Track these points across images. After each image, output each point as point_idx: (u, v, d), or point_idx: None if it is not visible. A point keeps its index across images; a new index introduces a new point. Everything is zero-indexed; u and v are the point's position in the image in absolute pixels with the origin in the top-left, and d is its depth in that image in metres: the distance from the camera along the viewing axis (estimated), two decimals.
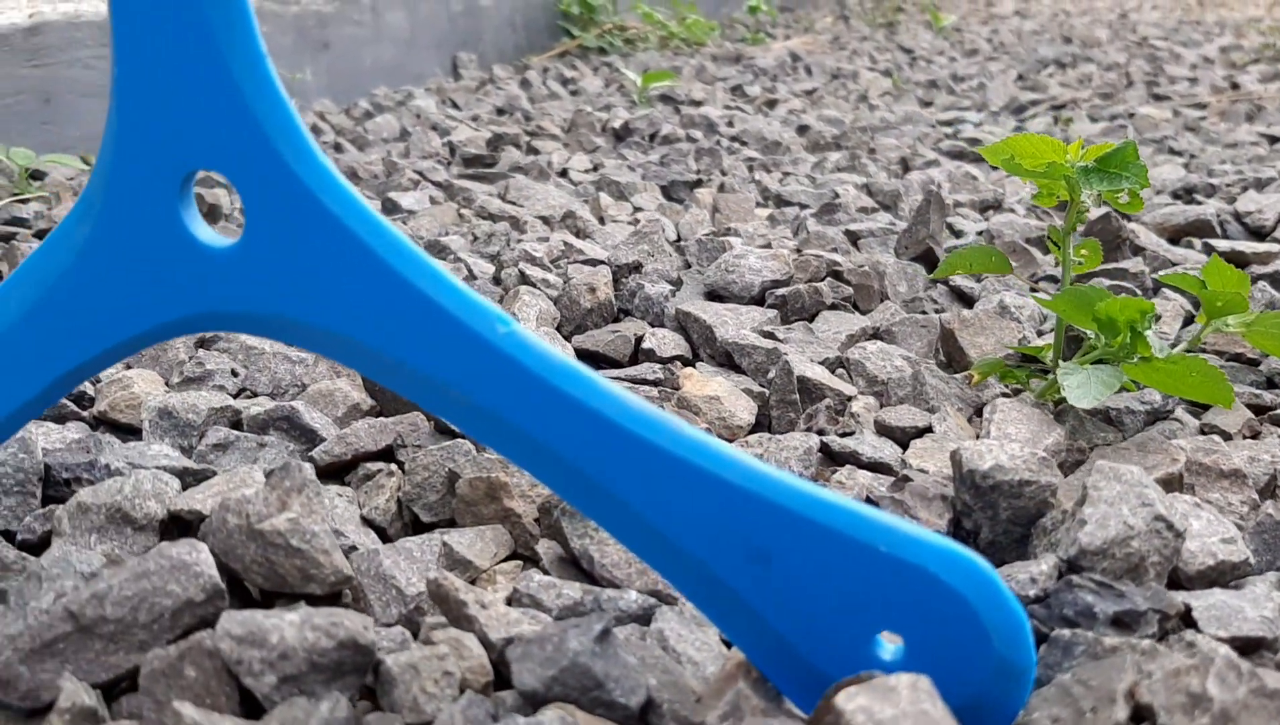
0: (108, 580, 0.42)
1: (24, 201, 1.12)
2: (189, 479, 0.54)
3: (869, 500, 0.51)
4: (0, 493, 0.54)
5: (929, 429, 0.59)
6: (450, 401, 0.41)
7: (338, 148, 1.41)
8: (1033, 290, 0.84)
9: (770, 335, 0.71)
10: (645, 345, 0.71)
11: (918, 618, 0.37)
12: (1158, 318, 0.57)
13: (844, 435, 0.59)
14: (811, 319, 0.77)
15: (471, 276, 0.87)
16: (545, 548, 0.52)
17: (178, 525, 0.51)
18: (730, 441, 0.60)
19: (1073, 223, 0.62)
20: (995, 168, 1.29)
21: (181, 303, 0.42)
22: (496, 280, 0.88)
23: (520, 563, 0.52)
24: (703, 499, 0.38)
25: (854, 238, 0.97)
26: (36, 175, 1.23)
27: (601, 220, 1.06)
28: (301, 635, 0.40)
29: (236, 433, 0.58)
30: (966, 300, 0.81)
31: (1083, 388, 0.53)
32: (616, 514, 0.40)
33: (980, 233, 0.99)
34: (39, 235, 1.04)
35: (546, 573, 0.50)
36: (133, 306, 0.43)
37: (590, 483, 0.40)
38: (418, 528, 0.56)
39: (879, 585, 0.37)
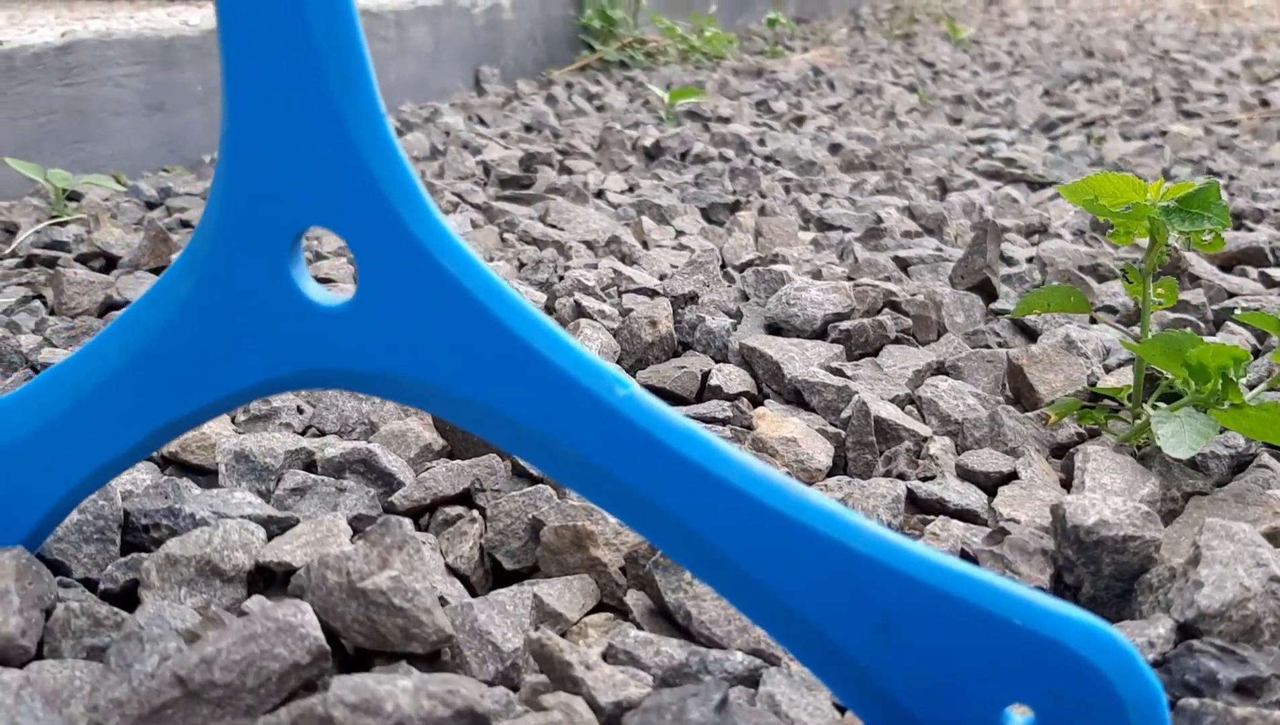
0: (215, 644, 0.41)
1: (62, 224, 1.12)
2: (273, 528, 0.53)
3: (965, 554, 0.51)
4: (81, 540, 0.53)
5: (1014, 474, 0.58)
6: (564, 461, 0.40)
7: None
8: (1092, 320, 0.84)
9: (839, 372, 0.71)
10: (712, 382, 0.70)
11: (1051, 691, 0.36)
12: (1248, 361, 0.56)
13: (926, 479, 0.59)
14: (876, 353, 0.76)
15: None
16: (634, 599, 0.51)
17: (264, 576, 0.51)
18: (810, 484, 0.60)
19: (1154, 264, 0.62)
20: (1035, 190, 1.29)
21: (288, 359, 0.42)
22: (550, 309, 0.87)
23: (609, 614, 0.51)
24: (826, 566, 0.38)
25: (904, 264, 0.96)
26: (73, 196, 1.23)
27: (645, 244, 1.06)
28: (417, 703, 0.39)
29: (313, 476, 0.58)
30: (1028, 333, 0.80)
31: (1178, 437, 0.53)
32: (732, 577, 0.39)
33: (1030, 260, 0.98)
34: (80, 259, 1.04)
35: (640, 627, 0.49)
36: (237, 362, 0.42)
37: (707, 546, 0.39)
38: (499, 575, 0.55)
39: (1011, 657, 0.36)
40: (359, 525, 0.55)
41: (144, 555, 0.52)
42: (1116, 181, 0.61)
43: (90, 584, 0.53)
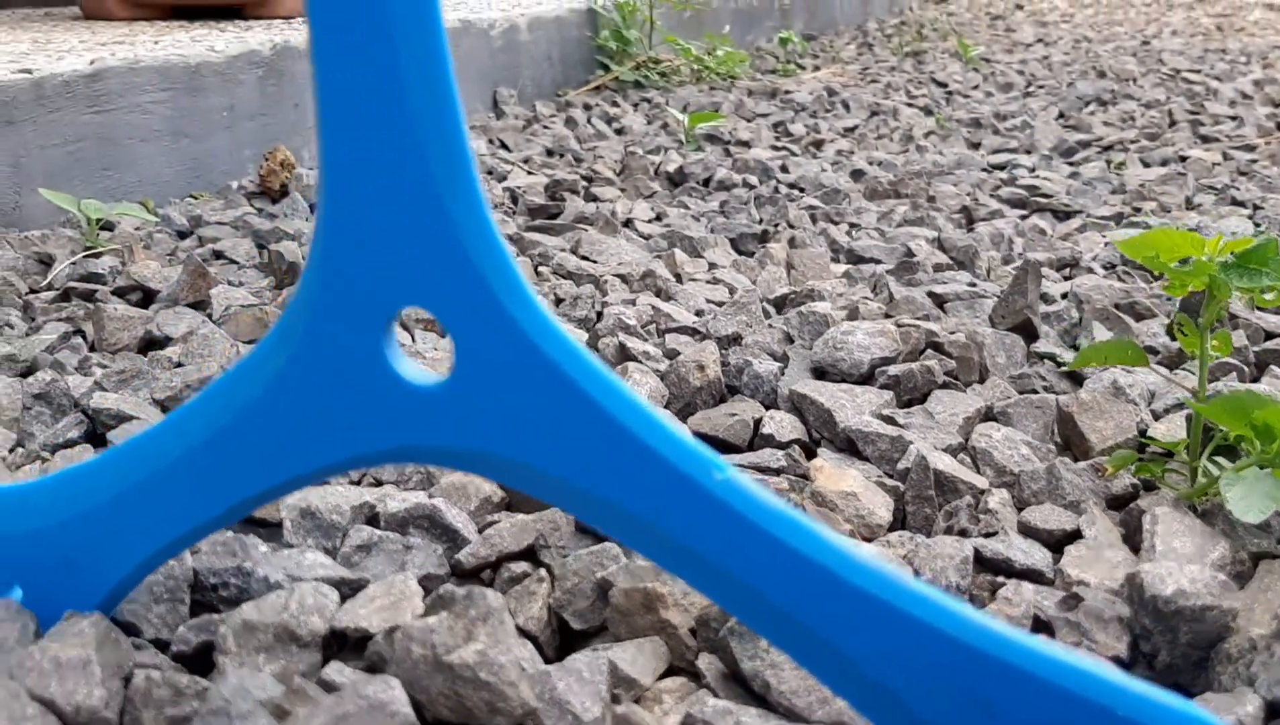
0: (308, 720, 0.41)
1: (96, 255, 1.12)
2: (345, 589, 0.54)
3: (1039, 621, 0.51)
4: (151, 600, 0.54)
5: (1078, 532, 0.59)
6: (659, 542, 0.40)
7: None
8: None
9: (891, 420, 0.71)
10: (764, 430, 0.71)
11: None
12: None
13: (988, 535, 0.59)
14: (924, 399, 0.76)
15: None
16: (707, 663, 0.51)
17: (338, 640, 0.51)
18: (870, 541, 0.60)
19: (1211, 319, 0.62)
20: (1061, 219, 1.29)
21: (381, 436, 0.42)
22: (593, 347, 0.88)
23: (682, 679, 0.51)
24: (923, 651, 0.38)
25: (940, 301, 0.97)
26: (106, 226, 1.23)
27: (679, 278, 1.06)
28: None
29: (379, 532, 0.58)
30: (1073, 376, 0.81)
31: (1246, 501, 0.53)
32: (832, 661, 0.40)
33: (1065, 296, 0.99)
34: (117, 292, 1.04)
35: (715, 694, 0.50)
36: (328, 438, 0.43)
37: (807, 631, 0.39)
38: (566, 634, 0.55)
39: None
40: (429, 585, 0.55)
41: (217, 617, 0.52)
42: (1175, 237, 0.61)
43: (161, 645, 0.53)
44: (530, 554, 0.59)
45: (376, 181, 0.39)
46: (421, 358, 0.84)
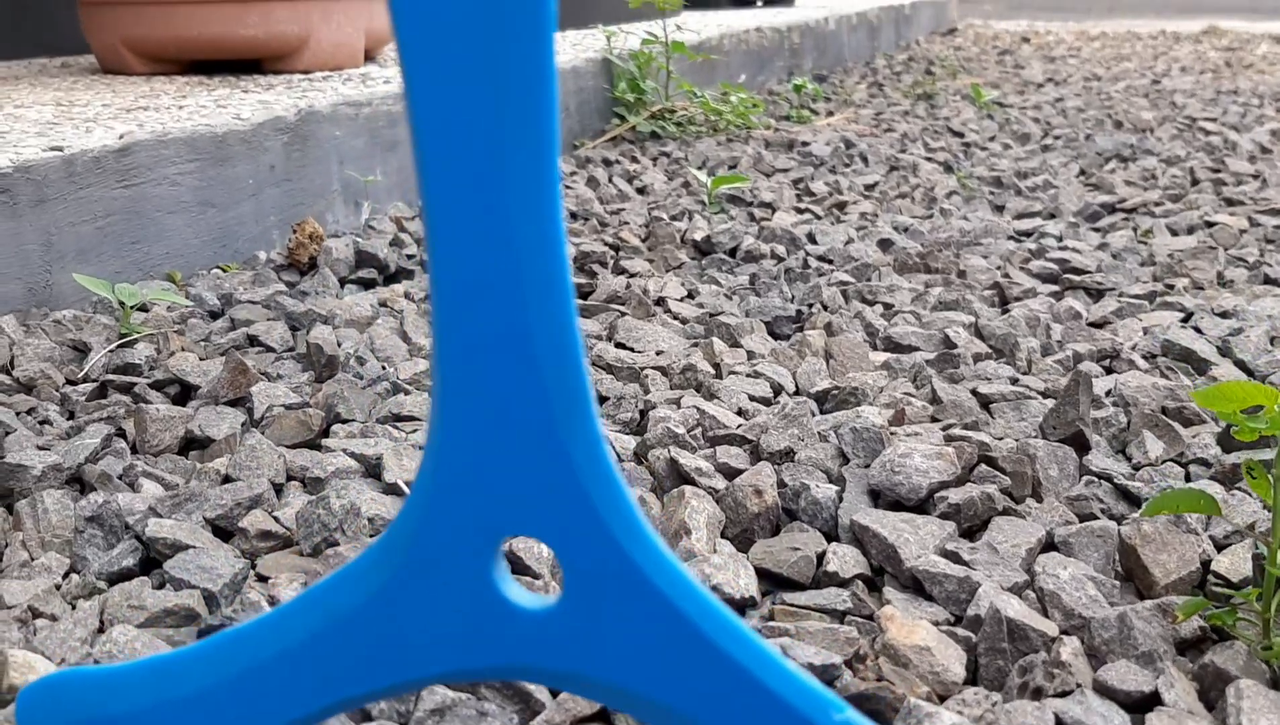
0: None
1: (131, 343, 1.12)
2: None
3: None
4: None
5: (1156, 695, 0.58)
6: None
7: (425, 266, 1.40)
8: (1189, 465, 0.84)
9: (956, 557, 0.71)
10: (828, 567, 0.70)
11: None
12: None
13: (1064, 694, 0.59)
14: (985, 525, 0.76)
15: (619, 458, 0.87)
16: None
17: None
18: (944, 699, 0.60)
19: (1279, 506, 0.62)
20: (1095, 298, 1.29)
21: (482, 654, 0.42)
22: (639, 458, 0.87)
23: None
24: None
25: (985, 402, 0.97)
26: (141, 307, 1.23)
27: (719, 370, 1.06)
28: None
29: (452, 694, 0.58)
30: (1129, 496, 0.80)
31: None
32: None
33: (1109, 394, 0.98)
34: (156, 386, 1.04)
35: None
36: (428, 651, 0.42)
37: None
38: None
39: None
40: None
41: None
42: (1248, 389, 0.61)
43: None
44: (603, 716, 0.58)
45: (491, 407, 0.39)
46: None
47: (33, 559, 0.76)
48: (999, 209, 1.73)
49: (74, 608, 0.70)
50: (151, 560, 0.76)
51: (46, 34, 2.47)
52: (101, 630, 0.68)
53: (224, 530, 0.79)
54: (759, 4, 4.09)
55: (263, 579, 0.73)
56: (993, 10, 6.36)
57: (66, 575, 0.75)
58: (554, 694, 0.60)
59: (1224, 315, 1.20)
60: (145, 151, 1.38)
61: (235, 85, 1.85)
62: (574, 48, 2.49)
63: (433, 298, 0.39)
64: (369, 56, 2.24)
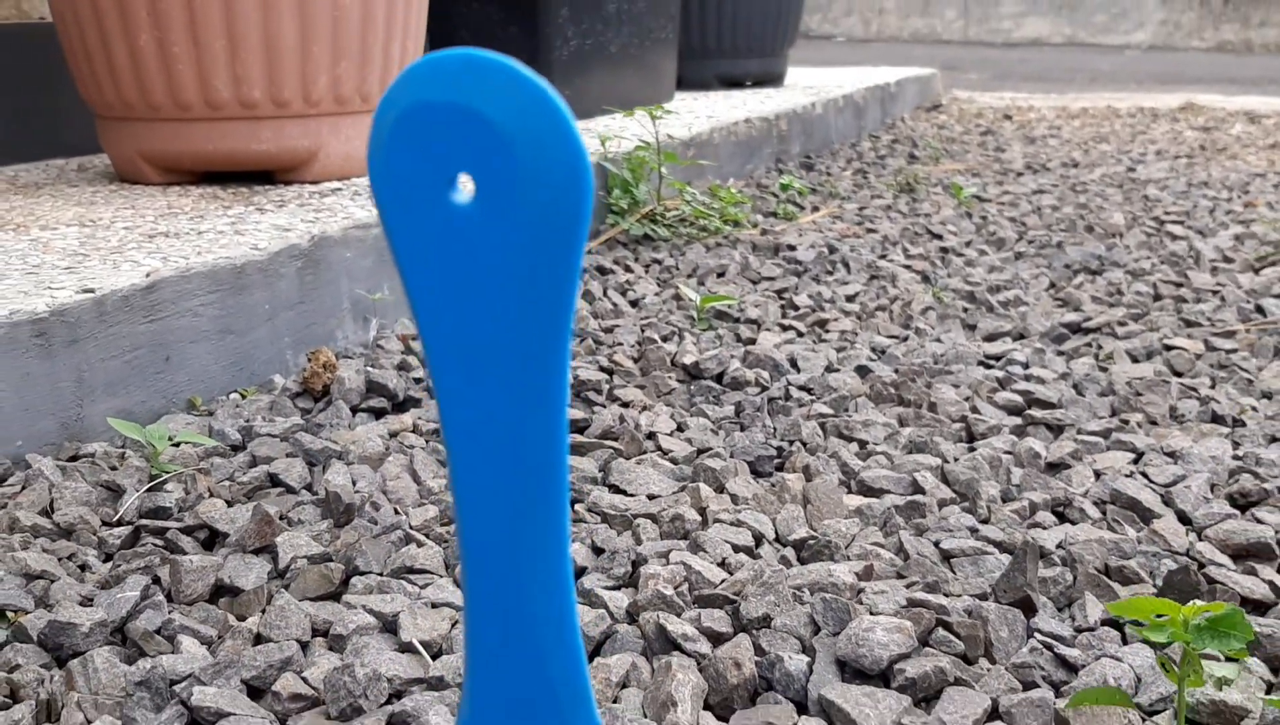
0: None
1: (161, 485, 1.21)
2: None
3: None
4: None
5: None
6: None
7: (432, 394, 1.50)
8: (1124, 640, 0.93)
9: None
10: None
11: None
12: None
13: None
14: (938, 695, 0.86)
15: (612, 619, 0.96)
16: None
17: None
18: None
19: (1186, 672, 0.71)
20: (1056, 435, 1.39)
21: None
22: (631, 618, 0.97)
23: None
24: None
25: (947, 557, 1.06)
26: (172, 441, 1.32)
27: (704, 519, 1.15)
28: None
29: None
30: (1069, 666, 0.90)
31: None
32: None
33: (1059, 545, 1.08)
34: (186, 530, 1.13)
35: None
36: None
37: None
38: None
39: None
40: None
41: None
42: (1154, 604, 0.71)
43: None
44: None
45: (509, 692, 0.49)
46: None
47: (89, 721, 0.85)
48: (970, 327, 1.83)
49: None
50: (196, 723, 0.85)
51: (62, 133, 2.57)
52: None
53: (258, 689, 0.89)
54: (748, 84, 4.22)
55: None
56: (977, 80, 6.51)
57: None
58: None
59: (1171, 456, 1.30)
60: (170, 287, 1.48)
61: (249, 200, 1.95)
62: None
63: (465, 623, 0.49)
64: None
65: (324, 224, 1.77)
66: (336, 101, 2.11)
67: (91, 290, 1.40)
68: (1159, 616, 0.72)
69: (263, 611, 0.98)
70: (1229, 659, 0.79)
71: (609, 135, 2.59)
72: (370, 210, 1.88)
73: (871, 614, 0.93)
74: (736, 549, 1.09)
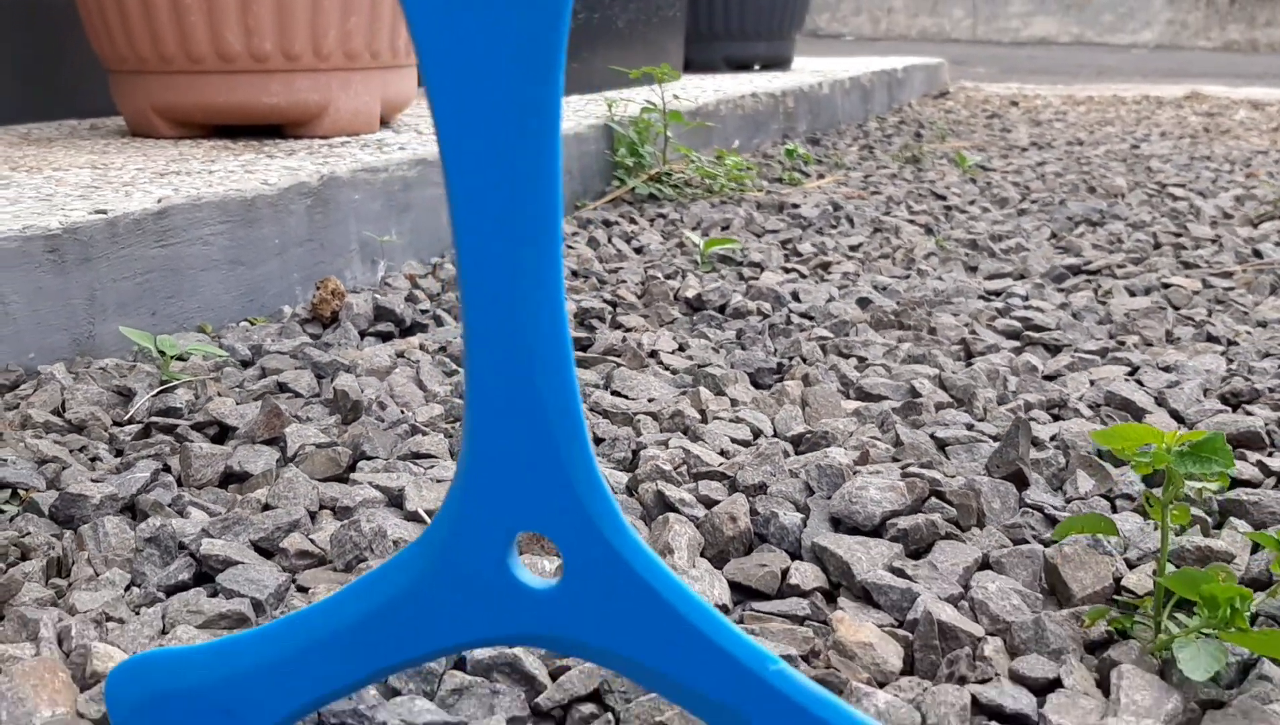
0: None
1: (171, 389, 1.23)
2: None
3: None
4: None
5: (1059, 680, 0.69)
6: (724, 716, 0.51)
7: (438, 320, 1.52)
8: (1113, 507, 0.95)
9: (901, 572, 0.82)
10: (791, 580, 0.82)
11: None
12: (1251, 599, 0.68)
13: (983, 681, 0.70)
14: (929, 549, 0.87)
15: (612, 490, 0.98)
16: None
17: None
18: (883, 685, 0.71)
19: (1169, 498, 0.73)
20: (1053, 353, 1.41)
21: (500, 625, 0.53)
22: (630, 492, 0.99)
23: None
24: None
25: (942, 445, 1.08)
26: (179, 357, 1.34)
27: (704, 417, 1.17)
28: None
29: (469, 677, 0.69)
30: (1057, 524, 0.91)
31: (1195, 660, 0.64)
32: None
33: (1054, 438, 1.10)
34: (196, 427, 1.15)
35: None
36: (458, 624, 0.54)
37: None
38: None
39: None
40: None
41: None
42: (1139, 431, 0.73)
43: None
44: (597, 697, 0.69)
45: (508, 435, 0.51)
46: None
47: (98, 574, 0.87)
48: (972, 270, 1.85)
49: (138, 613, 0.81)
50: (203, 575, 0.87)
51: (75, 96, 2.60)
52: (165, 632, 0.79)
53: (266, 550, 0.91)
54: (756, 68, 4.24)
55: (303, 590, 0.84)
56: (985, 74, 6.53)
57: (128, 588, 0.86)
58: (553, 676, 0.71)
59: (1166, 369, 1.32)
60: (181, 214, 1.50)
61: (259, 150, 1.98)
62: (577, 114, 2.62)
63: (465, 363, 0.51)
64: (385, 123, 2.37)
65: (333, 165, 1.79)
66: (347, 56, 2.13)
67: (104, 211, 1.42)
68: (1144, 449, 0.73)
69: (270, 486, 1.00)
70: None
71: (615, 100, 2.61)
72: (380, 156, 1.90)
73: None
74: (735, 441, 1.11)
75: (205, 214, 1.54)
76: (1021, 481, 0.98)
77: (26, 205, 1.46)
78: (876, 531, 0.89)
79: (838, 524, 0.90)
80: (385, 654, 0.55)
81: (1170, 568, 0.77)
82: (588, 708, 0.68)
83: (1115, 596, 0.81)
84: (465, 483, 0.52)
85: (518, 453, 0.50)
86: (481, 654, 0.71)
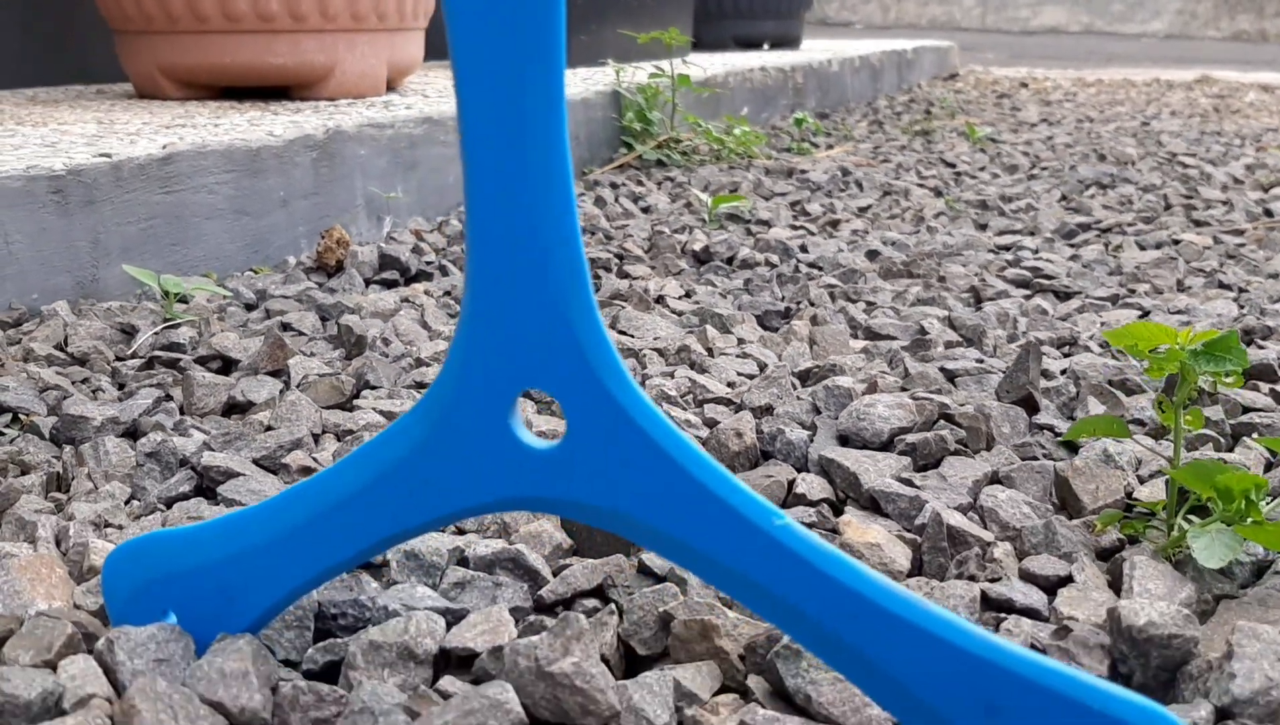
0: (441, 716, 0.51)
1: (175, 326, 1.23)
2: (450, 618, 0.63)
3: (1035, 647, 0.61)
4: (283, 627, 0.63)
5: (1070, 578, 0.68)
6: (729, 576, 0.50)
7: (443, 271, 1.51)
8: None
9: (909, 482, 0.81)
10: (797, 489, 0.81)
11: None
12: (1266, 487, 0.66)
13: (993, 580, 0.69)
14: (938, 464, 0.86)
15: None
16: (755, 683, 0.61)
17: (447, 659, 0.61)
18: None
19: (1184, 397, 0.72)
20: (1062, 300, 1.39)
21: (504, 488, 0.52)
22: None
23: (733, 695, 0.61)
24: (945, 664, 0.48)
25: (951, 376, 1.07)
26: (180, 300, 1.34)
27: (711, 352, 1.16)
28: None
29: (471, 572, 0.68)
30: (1069, 445, 0.90)
31: (1209, 550, 0.63)
32: (865, 671, 0.49)
33: (1064, 372, 1.09)
34: (200, 361, 1.14)
35: (763, 706, 0.59)
36: (459, 489, 0.53)
37: (844, 644, 0.49)
38: (631, 658, 0.65)
39: None
40: (518, 616, 0.65)
41: (344, 640, 0.62)
42: (1153, 329, 0.71)
43: (291, 664, 0.63)
44: (600, 592, 0.68)
45: (509, 289, 0.50)
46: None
47: (97, 488, 0.86)
48: (982, 227, 1.84)
49: (138, 522, 0.80)
50: (205, 490, 0.86)
51: (82, 63, 2.59)
52: None
53: (268, 468, 0.90)
54: (765, 47, 4.22)
55: None
56: (994, 59, 6.51)
57: (128, 502, 0.85)
58: (555, 572, 0.70)
59: (1177, 312, 1.31)
60: (186, 161, 1.49)
61: (265, 109, 1.97)
62: (584, 82, 2.61)
63: (466, 207, 0.50)
64: (391, 86, 2.36)
65: (339, 120, 1.78)
66: (353, 18, 2.12)
67: (108, 155, 1.41)
68: (1156, 351, 0.72)
69: (273, 411, 0.99)
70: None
71: (623, 67, 2.60)
72: (386, 113, 1.89)
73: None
74: (741, 374, 1.10)
75: (210, 162, 1.53)
76: (1032, 406, 0.97)
77: (31, 150, 1.45)
78: (884, 448, 0.88)
79: (845, 441, 0.89)
80: (385, 523, 0.54)
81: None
82: (590, 602, 0.67)
83: (1127, 509, 0.80)
84: (466, 341, 0.51)
85: (520, 306, 0.49)
86: (484, 550, 0.70)
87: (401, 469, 0.53)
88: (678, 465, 0.49)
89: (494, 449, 0.51)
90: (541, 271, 0.49)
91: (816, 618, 0.49)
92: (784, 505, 0.81)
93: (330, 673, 0.62)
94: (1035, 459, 0.88)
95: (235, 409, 1.05)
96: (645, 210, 1.96)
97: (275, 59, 2.09)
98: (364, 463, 0.54)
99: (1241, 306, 1.35)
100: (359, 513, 0.54)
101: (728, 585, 0.51)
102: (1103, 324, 1.26)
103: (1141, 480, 0.85)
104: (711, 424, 0.94)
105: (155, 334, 1.20)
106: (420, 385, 1.07)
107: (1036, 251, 1.63)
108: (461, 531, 0.77)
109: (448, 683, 0.58)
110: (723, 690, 0.62)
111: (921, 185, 2.21)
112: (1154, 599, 0.60)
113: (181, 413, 1.04)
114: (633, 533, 0.51)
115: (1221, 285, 1.44)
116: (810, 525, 0.77)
